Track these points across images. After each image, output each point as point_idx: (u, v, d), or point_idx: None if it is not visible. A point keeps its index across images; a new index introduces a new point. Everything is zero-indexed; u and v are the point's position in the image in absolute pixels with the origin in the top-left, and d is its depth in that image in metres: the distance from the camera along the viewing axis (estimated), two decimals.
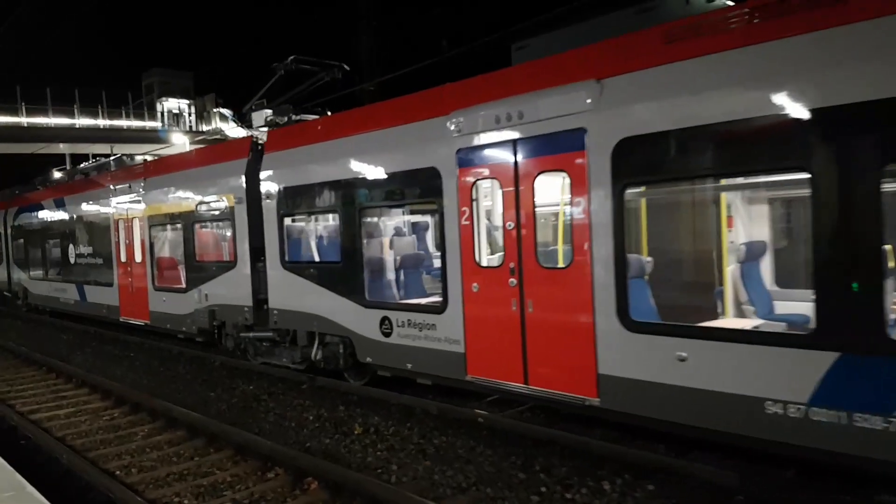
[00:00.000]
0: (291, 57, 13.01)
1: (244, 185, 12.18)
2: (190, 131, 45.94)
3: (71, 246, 19.47)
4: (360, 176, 9.79)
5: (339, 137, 10.26)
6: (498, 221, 8.69)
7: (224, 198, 12.73)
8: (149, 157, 19.04)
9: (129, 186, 15.87)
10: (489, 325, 8.06)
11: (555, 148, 7.23)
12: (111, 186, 16.86)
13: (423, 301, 9.64)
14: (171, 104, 48.13)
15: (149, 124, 47.26)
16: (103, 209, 17.39)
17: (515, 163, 7.66)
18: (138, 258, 15.81)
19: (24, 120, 41.86)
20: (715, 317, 7.63)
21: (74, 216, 19.19)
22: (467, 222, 8.23)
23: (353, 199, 9.98)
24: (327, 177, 10.37)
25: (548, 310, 7.39)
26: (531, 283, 7.54)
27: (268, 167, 11.68)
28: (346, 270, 10.21)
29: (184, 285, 14.29)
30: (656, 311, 7.18)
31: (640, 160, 6.61)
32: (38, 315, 23.51)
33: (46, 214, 21.20)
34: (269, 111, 13.40)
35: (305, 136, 11.02)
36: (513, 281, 7.73)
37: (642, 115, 6.53)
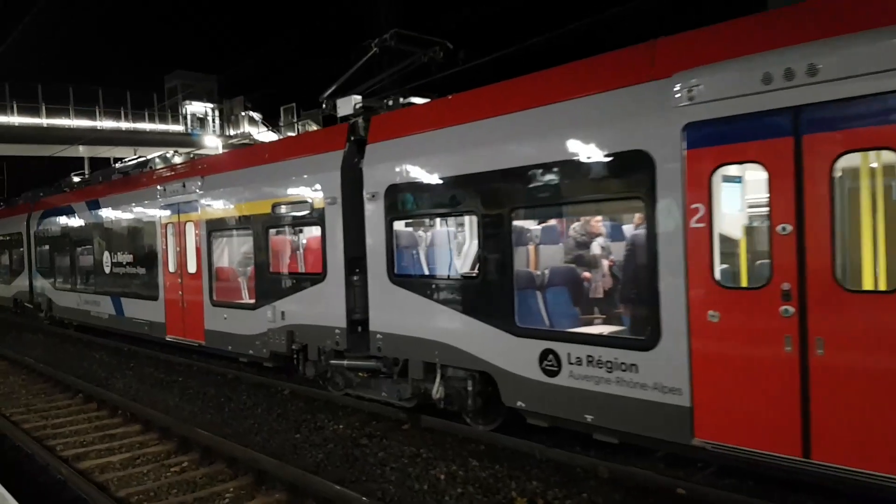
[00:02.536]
0: (393, 30, 10.88)
1: (339, 182, 10.01)
2: (222, 135, 43.94)
3: (106, 254, 17.31)
4: (515, 168, 7.58)
5: (480, 119, 8.08)
6: (759, 223, 6.43)
7: (310, 198, 10.56)
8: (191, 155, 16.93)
9: (183, 186, 13.71)
10: (737, 370, 5.82)
11: (876, 118, 5.02)
12: (159, 187, 14.70)
13: (612, 331, 7.39)
14: (196, 108, 46.06)
15: (172, 128, 45.27)
16: (148, 212, 15.24)
17: (798, 139, 5.43)
18: (192, 268, 13.64)
19: (44, 121, 39.89)
20: None
21: (111, 220, 17.04)
22: (700, 224, 6.00)
23: (501, 198, 7.79)
24: (463, 169, 8.19)
25: (855, 354, 5.15)
26: (822, 313, 5.30)
27: (372, 160, 9.53)
28: (486, 287, 8.00)
29: (252, 301, 12.10)
30: None
31: None
32: (62, 329, 21.36)
33: (77, 218, 19.06)
34: (358, 97, 11.25)
35: (429, 120, 8.85)
36: (787, 309, 5.48)
37: None
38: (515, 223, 7.80)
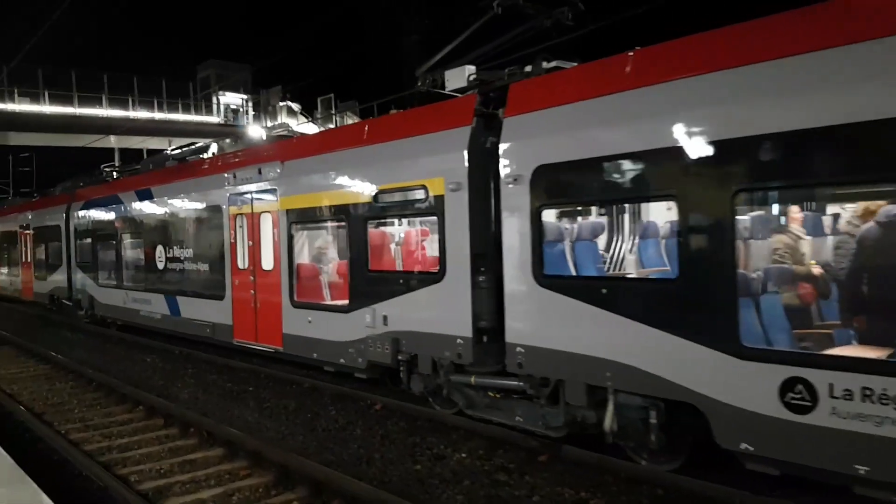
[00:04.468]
0: None
1: (465, 164, 8.36)
2: (265, 127, 42.41)
3: (159, 248, 15.78)
4: (764, 135, 5.76)
5: (705, 72, 6.29)
6: None
7: (426, 183, 8.92)
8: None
9: (259, 172, 12.11)
10: None
11: None
12: (227, 174, 13.12)
13: None
14: (230, 98, 44.51)
15: (207, 119, 43.78)
16: (213, 202, 13.67)
17: None
18: (267, 264, 12.06)
19: (76, 110, 38.53)
20: None
21: (166, 211, 15.50)
22: None
23: (723, 175, 6.06)
24: (659, 142, 6.46)
25: None
26: None
27: (514, 136, 7.86)
28: (691, 293, 6.29)
29: (346, 303, 10.49)
30: None
31: None
32: (103, 328, 19.88)
33: (125, 209, 17.55)
34: (472, 67, 9.61)
35: (607, 81, 7.09)
36: None
37: None
38: (743, 209, 6.07)
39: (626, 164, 6.66)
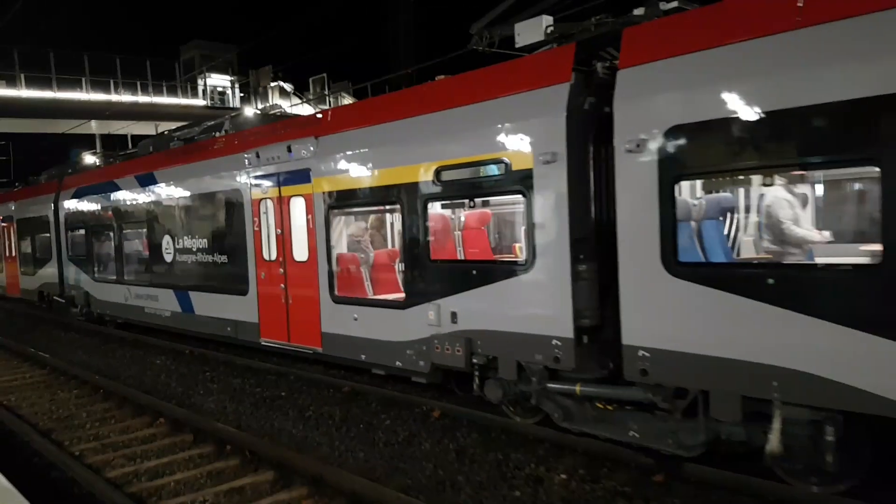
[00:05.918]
0: None
1: (563, 129, 6.96)
2: (263, 109, 40.49)
3: (166, 238, 14.25)
4: None
5: None
6: None
7: (506, 156, 7.52)
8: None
9: (288, 150, 10.62)
10: None
11: None
12: (247, 154, 11.61)
13: None
14: (217, 80, 42.45)
15: (193, 101, 41.75)
16: (230, 185, 12.16)
17: None
18: (300, 255, 10.62)
19: (56, 94, 36.36)
20: None
21: (174, 197, 13.95)
22: None
23: None
24: (856, 91, 5.09)
25: None
26: None
27: (632, 92, 6.47)
28: None
29: (401, 297, 9.11)
30: None
31: None
32: (99, 326, 18.30)
33: (124, 196, 15.94)
34: (549, 18, 8.20)
35: (780, 15, 5.64)
36: None
37: None
38: None
39: (814, 120, 5.26)
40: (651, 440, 6.81)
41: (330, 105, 38.14)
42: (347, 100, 38.23)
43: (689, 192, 6.74)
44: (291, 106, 39.51)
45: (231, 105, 42.65)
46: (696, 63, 6.00)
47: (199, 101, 42.08)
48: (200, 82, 42.39)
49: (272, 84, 42.21)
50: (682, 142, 6.08)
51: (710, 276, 5.99)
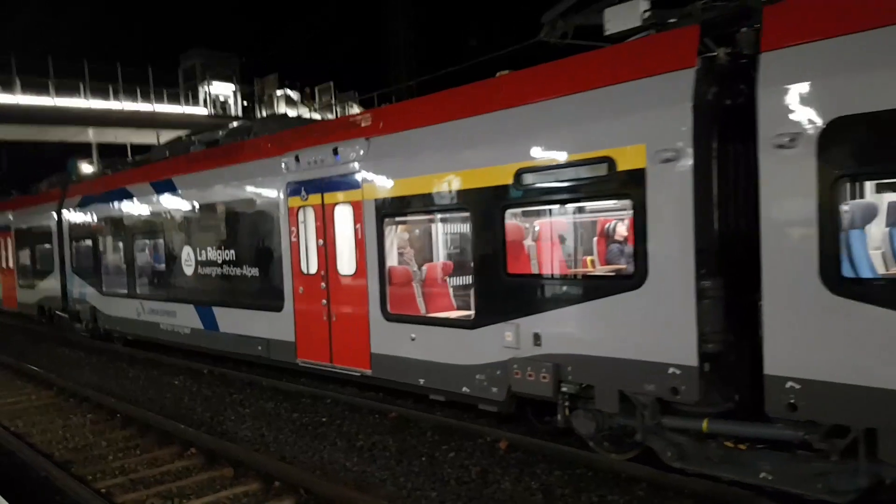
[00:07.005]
0: None
1: (689, 122, 5.99)
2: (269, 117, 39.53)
3: (187, 249, 13.18)
4: None
5: None
6: None
7: (611, 154, 6.54)
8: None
9: (334, 153, 9.61)
10: None
11: None
12: (284, 159, 10.58)
13: None
14: (219, 88, 41.39)
15: (194, 110, 40.64)
16: (263, 193, 11.12)
17: None
18: (346, 268, 9.60)
19: (54, 100, 35.22)
20: None
21: (196, 205, 12.89)
22: None
23: None
24: None
25: None
26: None
27: (781, 78, 5.50)
28: None
29: (470, 315, 8.10)
30: None
31: None
32: (106, 343, 17.13)
33: (138, 204, 14.86)
34: (645, 2, 7.28)
35: None
36: None
37: None
38: None
39: None
40: (790, 483, 5.81)
41: (337, 115, 37.22)
42: (356, 109, 37.33)
43: (857, 195, 5.80)
44: (300, 115, 38.57)
45: (233, 114, 41.63)
46: (865, 44, 5.04)
47: (202, 110, 41.01)
48: (202, 90, 41.34)
49: (278, 92, 41.27)
50: (848, 136, 5.13)
51: (883, 294, 5.02)
